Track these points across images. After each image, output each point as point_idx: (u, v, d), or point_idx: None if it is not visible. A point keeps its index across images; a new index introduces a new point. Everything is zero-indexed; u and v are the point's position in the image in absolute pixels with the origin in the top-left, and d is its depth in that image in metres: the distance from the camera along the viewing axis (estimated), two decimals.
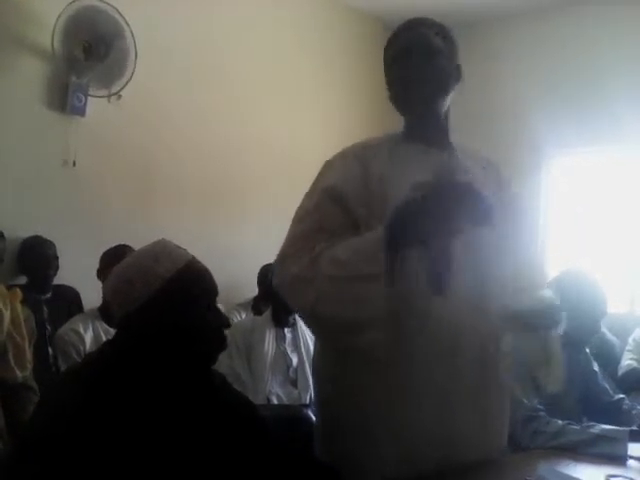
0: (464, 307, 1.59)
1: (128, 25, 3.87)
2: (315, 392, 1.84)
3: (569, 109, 4.80)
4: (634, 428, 2.16)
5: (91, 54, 3.79)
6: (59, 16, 3.68)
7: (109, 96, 3.95)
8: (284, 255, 1.62)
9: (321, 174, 1.72)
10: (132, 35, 3.90)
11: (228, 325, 1.53)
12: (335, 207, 1.62)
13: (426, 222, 1.40)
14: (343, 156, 1.71)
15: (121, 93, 3.99)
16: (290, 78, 4.97)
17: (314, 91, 5.12)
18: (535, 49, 5.12)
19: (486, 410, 1.67)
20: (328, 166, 1.72)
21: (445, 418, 1.60)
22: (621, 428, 2.11)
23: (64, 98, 3.85)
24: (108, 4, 3.80)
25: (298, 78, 5.02)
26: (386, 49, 1.74)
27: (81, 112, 3.89)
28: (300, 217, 1.66)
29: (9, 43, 3.69)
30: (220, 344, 1.52)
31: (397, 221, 1.44)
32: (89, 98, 3.90)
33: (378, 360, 1.55)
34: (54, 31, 3.69)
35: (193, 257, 1.53)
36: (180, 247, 1.54)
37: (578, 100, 4.80)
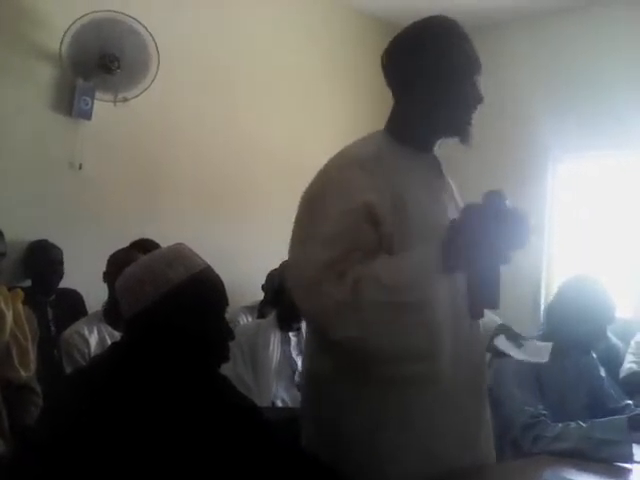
0: (477, 334, 1.64)
1: (154, 40, 3.88)
2: (314, 405, 1.72)
3: (575, 113, 4.79)
4: (632, 414, 2.16)
5: (108, 66, 3.81)
6: (73, 23, 3.70)
7: (115, 100, 3.96)
8: (317, 280, 1.48)
9: (338, 187, 1.58)
10: (157, 49, 3.91)
11: (232, 338, 1.51)
12: (369, 224, 1.52)
13: (479, 244, 1.39)
14: (358, 165, 1.59)
15: (128, 97, 4.00)
16: (293, 83, 4.96)
17: (318, 96, 5.11)
18: (540, 53, 5.11)
19: (479, 424, 1.70)
20: (345, 177, 1.59)
21: (465, 432, 1.62)
22: (618, 418, 2.11)
23: (70, 101, 3.86)
24: (130, 16, 3.81)
25: (301, 83, 5.02)
26: (465, 46, 1.61)
27: (87, 116, 3.90)
28: (324, 236, 1.52)
29: (16, 46, 3.70)
30: (222, 356, 1.52)
31: (449, 243, 1.42)
32: (95, 102, 3.91)
33: (428, 388, 1.53)
34: (63, 38, 3.71)
35: (208, 266, 1.52)
36: (197, 255, 1.54)
37: (584, 104, 4.79)
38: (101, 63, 3.80)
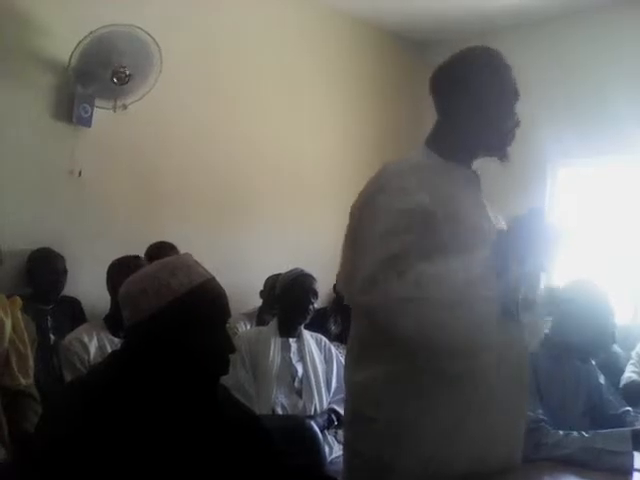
0: (515, 337, 1.69)
1: (158, 48, 3.89)
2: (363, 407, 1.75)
3: (573, 118, 4.80)
4: (636, 428, 2.16)
5: (120, 77, 3.83)
6: (84, 38, 3.71)
7: (115, 107, 3.96)
8: (375, 278, 1.55)
9: (396, 190, 1.64)
10: (160, 57, 3.92)
11: (233, 350, 1.52)
12: (425, 226, 1.60)
13: (523, 252, 1.56)
14: (412, 172, 1.68)
15: (126, 104, 4.01)
16: (294, 92, 4.98)
17: (319, 105, 5.12)
18: (538, 59, 5.11)
19: (520, 422, 1.76)
20: (401, 183, 1.65)
21: (506, 428, 1.68)
22: (621, 430, 2.11)
23: (70, 109, 3.87)
24: (135, 26, 3.82)
25: (302, 92, 5.03)
26: (508, 76, 1.79)
27: (87, 123, 3.91)
28: (383, 236, 1.59)
29: (16, 54, 3.71)
30: (222, 368, 1.51)
31: (499, 248, 1.57)
32: (95, 109, 3.92)
33: (488, 383, 1.61)
34: (73, 52, 3.73)
35: (212, 278, 1.52)
36: (201, 265, 1.54)
37: (582, 110, 4.80)
38: (114, 75, 3.82)
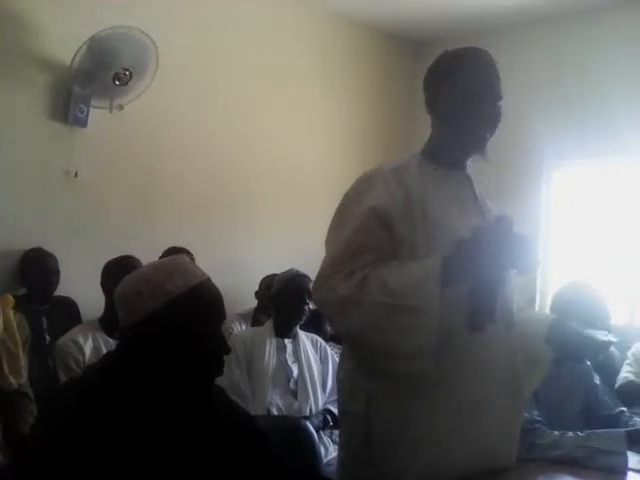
0: (496, 339, 1.68)
1: (155, 48, 3.89)
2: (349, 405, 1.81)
3: (569, 120, 4.80)
4: (630, 429, 2.16)
5: (122, 79, 3.84)
6: (86, 41, 3.71)
7: (111, 107, 3.96)
8: (326, 275, 1.64)
9: (361, 193, 1.71)
10: (157, 57, 3.92)
11: (227, 352, 1.52)
12: (381, 228, 1.64)
13: (481, 262, 1.51)
14: (381, 177, 1.72)
15: (123, 105, 4.01)
16: (291, 93, 4.98)
17: (316, 106, 5.12)
18: (535, 61, 5.13)
19: (512, 423, 1.76)
20: (367, 186, 1.72)
21: (477, 434, 1.66)
22: (616, 430, 2.11)
23: (66, 109, 3.87)
24: (138, 29, 3.82)
25: (299, 94, 5.03)
26: (474, 72, 1.77)
27: (83, 123, 3.91)
28: (341, 237, 1.67)
29: (12, 54, 3.71)
30: (216, 370, 1.51)
31: (454, 257, 1.53)
32: (91, 109, 3.92)
33: (454, 391, 1.62)
34: (75, 55, 3.73)
35: (208, 279, 1.52)
36: (197, 266, 1.54)
37: (578, 111, 4.80)
38: (115, 77, 3.83)
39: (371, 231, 1.64)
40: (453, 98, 1.74)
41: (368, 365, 1.68)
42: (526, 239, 1.58)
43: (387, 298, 1.55)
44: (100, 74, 3.80)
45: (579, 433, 2.16)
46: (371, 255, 1.61)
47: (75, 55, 3.73)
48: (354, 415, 1.72)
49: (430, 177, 1.74)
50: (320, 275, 1.66)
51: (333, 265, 1.64)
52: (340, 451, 1.82)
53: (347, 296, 1.58)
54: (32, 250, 3.69)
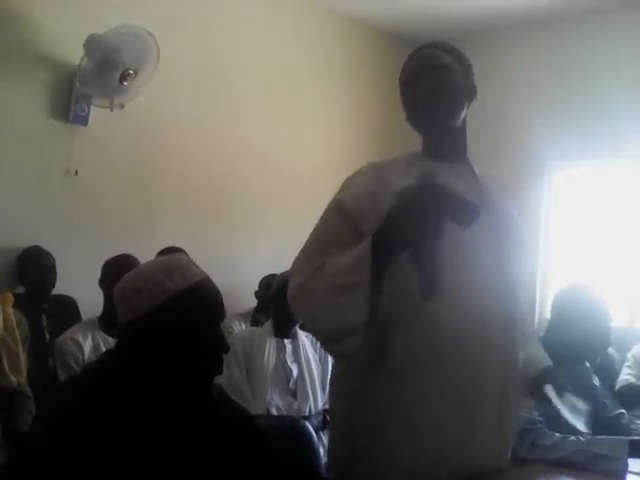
0: (464, 311, 1.61)
1: (157, 46, 3.89)
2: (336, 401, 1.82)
3: (570, 121, 4.81)
4: (634, 438, 2.15)
5: (126, 78, 3.86)
6: (99, 36, 3.72)
7: (111, 106, 3.96)
8: (294, 269, 1.67)
9: (339, 190, 1.75)
10: (157, 55, 3.91)
11: (226, 351, 1.51)
12: (344, 222, 1.66)
13: (409, 226, 1.43)
14: (360, 173, 1.75)
15: (124, 103, 4.01)
16: (292, 92, 4.98)
17: (316, 106, 5.13)
18: (536, 63, 5.13)
19: (503, 420, 1.71)
20: (345, 182, 1.76)
21: (462, 427, 1.63)
22: (618, 438, 2.10)
23: (67, 107, 3.87)
24: (142, 28, 3.82)
25: (300, 92, 5.04)
26: (402, 71, 1.80)
27: (84, 122, 3.91)
28: (313, 232, 1.71)
29: (12, 52, 3.71)
30: (215, 369, 1.51)
31: (383, 228, 1.49)
32: (92, 107, 3.92)
33: (359, 366, 1.61)
34: (83, 57, 3.75)
35: (207, 277, 1.52)
36: (196, 265, 1.54)
37: (579, 112, 4.81)
38: (122, 76, 3.84)
39: (335, 224, 1.67)
40: (402, 90, 1.78)
41: (326, 351, 1.72)
42: (448, 189, 1.47)
43: (330, 280, 1.55)
44: (105, 74, 3.80)
45: (580, 437, 2.15)
46: (336, 249, 1.60)
47: (83, 57, 3.75)
48: (340, 415, 1.73)
49: (419, 170, 1.67)
50: (290, 270, 1.69)
51: (301, 259, 1.66)
52: (328, 451, 1.82)
53: (299, 284, 1.61)
54: (29, 248, 3.69)
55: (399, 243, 1.48)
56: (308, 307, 1.60)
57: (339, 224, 1.66)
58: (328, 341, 1.63)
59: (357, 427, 1.66)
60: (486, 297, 1.65)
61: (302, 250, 1.69)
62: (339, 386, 1.76)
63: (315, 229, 1.71)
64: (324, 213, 1.72)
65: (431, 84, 1.71)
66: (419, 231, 1.43)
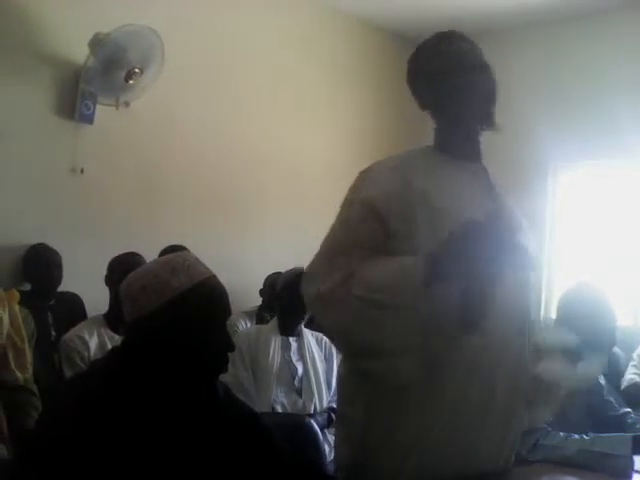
0: (499, 343, 1.60)
1: (162, 45, 3.89)
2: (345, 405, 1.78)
3: (575, 122, 4.80)
4: (637, 434, 2.15)
5: (132, 77, 3.86)
6: (106, 35, 3.72)
7: (117, 104, 3.97)
8: (314, 271, 1.60)
9: (357, 186, 1.66)
10: (162, 54, 3.91)
11: (232, 349, 1.51)
12: (373, 222, 1.57)
13: (473, 257, 1.42)
14: (382, 168, 1.67)
15: (129, 102, 4.01)
16: (297, 91, 4.98)
17: (319, 104, 5.12)
18: (539, 63, 5.12)
19: (509, 427, 1.70)
20: (365, 178, 1.66)
21: (472, 427, 1.62)
22: (622, 435, 2.10)
23: (73, 106, 3.87)
24: (147, 27, 3.82)
25: (305, 92, 5.03)
26: (438, 58, 1.71)
27: (89, 120, 3.91)
28: (334, 232, 1.63)
29: (18, 51, 3.71)
30: (220, 367, 1.51)
31: (443, 251, 1.45)
32: (98, 106, 3.92)
33: (396, 387, 1.56)
34: (89, 56, 3.75)
35: (213, 276, 1.52)
36: (202, 263, 1.54)
37: (583, 113, 4.80)
38: (128, 75, 3.84)
39: (362, 225, 1.58)
40: (432, 91, 1.69)
41: (354, 364, 1.64)
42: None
43: (370, 294, 1.49)
44: (110, 72, 3.81)
45: (584, 436, 2.15)
46: (361, 251, 1.55)
47: (89, 55, 3.75)
48: (351, 420, 1.68)
49: (438, 169, 1.67)
50: (307, 272, 1.62)
51: (321, 261, 1.60)
52: (335, 453, 1.80)
53: (329, 291, 1.53)
54: (35, 245, 3.69)
55: (458, 271, 1.45)
56: (338, 317, 1.53)
57: (370, 225, 1.57)
58: (365, 356, 1.56)
59: (369, 432, 1.63)
60: (506, 300, 1.63)
61: (322, 252, 1.62)
62: (349, 389, 1.72)
63: (336, 229, 1.63)
64: (346, 212, 1.64)
65: (487, 83, 1.68)
66: (482, 265, 1.43)
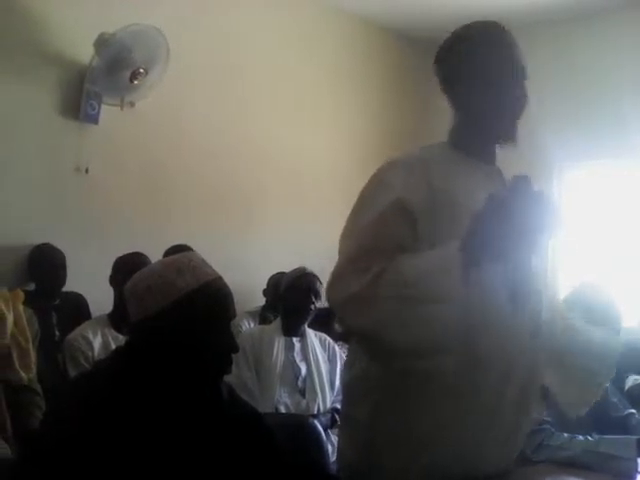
0: (513, 346, 1.57)
1: (167, 45, 3.90)
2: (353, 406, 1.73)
3: (580, 122, 4.79)
4: None
5: (136, 77, 3.88)
6: (111, 35, 3.73)
7: (122, 104, 3.97)
8: (342, 272, 1.51)
9: (380, 185, 1.59)
10: (167, 53, 3.92)
11: (236, 350, 1.51)
12: (403, 221, 1.52)
13: (506, 234, 1.33)
14: (403, 167, 1.61)
15: (134, 102, 4.02)
16: (302, 92, 4.98)
17: (323, 105, 5.12)
18: (545, 62, 5.09)
19: (517, 428, 1.69)
20: (389, 177, 1.60)
21: (482, 428, 1.60)
22: (627, 437, 2.10)
23: (78, 106, 3.88)
24: (152, 27, 3.83)
25: (310, 92, 5.03)
26: (509, 51, 1.69)
27: (94, 120, 3.92)
28: (358, 231, 1.56)
29: (23, 51, 3.72)
30: (223, 368, 1.51)
31: (475, 234, 1.37)
32: (103, 106, 3.93)
33: (447, 384, 1.51)
34: (94, 57, 3.77)
35: (218, 277, 1.51)
36: (207, 264, 1.53)
37: (589, 113, 4.79)
38: (133, 75, 3.86)
39: (393, 224, 1.51)
40: (475, 78, 1.63)
41: (389, 365, 1.56)
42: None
43: (404, 291, 1.41)
44: (115, 72, 3.82)
45: (589, 437, 2.14)
46: (390, 250, 1.48)
47: (94, 55, 3.76)
48: (356, 421, 1.65)
49: (457, 167, 1.63)
50: (334, 273, 1.53)
51: (349, 261, 1.51)
52: (339, 454, 1.78)
53: (358, 292, 1.45)
54: (40, 245, 3.70)
55: (493, 252, 1.37)
56: (372, 319, 1.45)
57: (397, 224, 1.51)
58: (407, 356, 1.49)
59: (374, 432, 1.61)
60: (537, 313, 1.63)
61: (348, 252, 1.54)
62: (355, 391, 1.69)
63: (361, 229, 1.55)
64: (367, 210, 1.56)
65: (524, 98, 1.66)
66: (517, 238, 1.34)
